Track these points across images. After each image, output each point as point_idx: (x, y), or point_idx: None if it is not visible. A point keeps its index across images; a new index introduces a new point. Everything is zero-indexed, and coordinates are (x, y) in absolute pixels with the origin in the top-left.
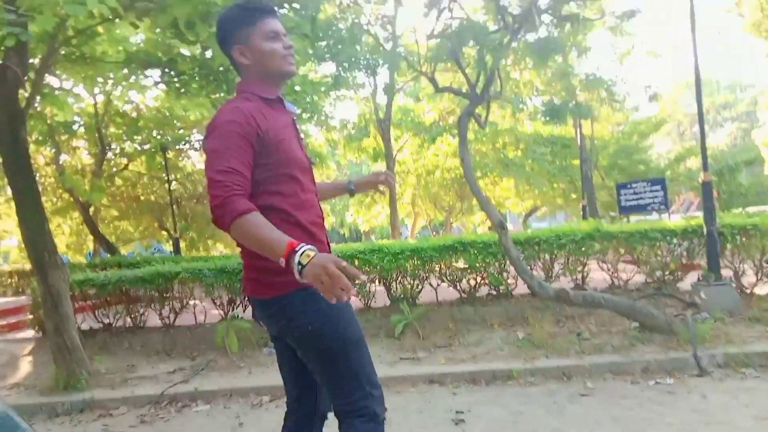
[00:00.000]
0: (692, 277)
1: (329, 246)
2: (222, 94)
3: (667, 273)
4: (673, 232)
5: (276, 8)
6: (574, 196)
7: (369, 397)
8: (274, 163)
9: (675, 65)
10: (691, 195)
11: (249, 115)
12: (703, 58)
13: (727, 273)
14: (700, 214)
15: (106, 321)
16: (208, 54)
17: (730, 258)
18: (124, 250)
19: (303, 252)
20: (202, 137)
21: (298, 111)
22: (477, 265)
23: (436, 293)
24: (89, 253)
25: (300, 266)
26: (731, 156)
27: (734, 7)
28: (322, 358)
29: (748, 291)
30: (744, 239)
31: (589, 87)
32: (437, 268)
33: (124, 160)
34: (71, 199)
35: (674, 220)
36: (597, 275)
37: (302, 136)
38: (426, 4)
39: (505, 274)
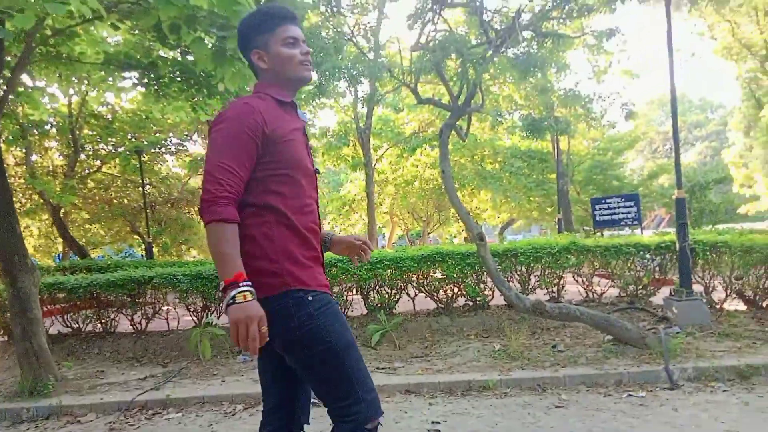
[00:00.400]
0: (664, 292)
1: (323, 254)
2: (203, 98)
3: (640, 287)
4: (647, 248)
5: (296, 14)
6: (549, 209)
7: (360, 403)
8: (277, 162)
9: (648, 84)
10: (662, 211)
11: (257, 112)
12: (676, 77)
13: (698, 288)
14: (671, 230)
15: (76, 326)
16: (190, 58)
17: (701, 274)
18: (94, 254)
19: (242, 291)
20: (180, 140)
21: (308, 119)
22: (454, 275)
23: (414, 303)
24: (58, 256)
25: (232, 300)
26: (702, 174)
27: (707, 30)
28: (311, 364)
29: (718, 306)
30: (714, 256)
31: (567, 103)
32: (415, 278)
33: (98, 162)
34: (41, 200)
35: (646, 235)
36: (572, 288)
37: (311, 145)
38: (410, 16)
39: (482, 286)
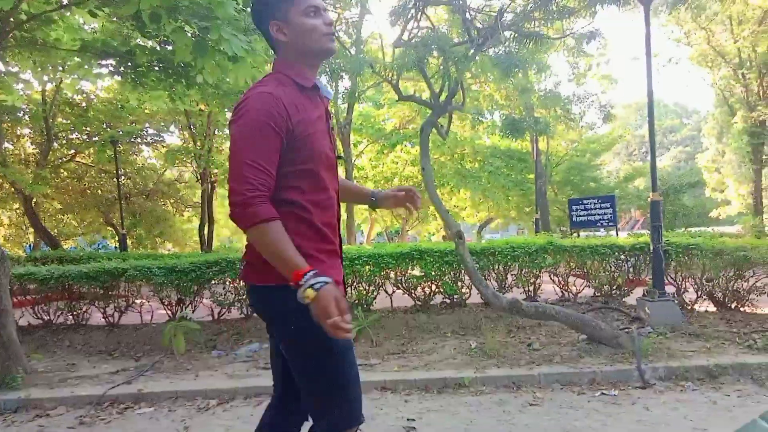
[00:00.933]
0: (638, 292)
1: (341, 247)
2: (182, 88)
3: (614, 288)
4: (622, 249)
5: None
6: (527, 209)
7: (340, 409)
8: (298, 158)
9: (625, 88)
10: (637, 213)
11: (282, 107)
12: (653, 82)
13: (670, 289)
14: (645, 231)
15: (46, 317)
16: (169, 47)
17: (673, 275)
18: (66, 245)
19: (305, 291)
20: (157, 130)
21: (331, 95)
22: (432, 273)
23: (391, 300)
24: (29, 246)
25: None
26: (676, 178)
27: (684, 37)
28: (300, 360)
29: (689, 307)
30: (686, 258)
31: (547, 104)
32: (393, 275)
33: (71, 152)
34: (12, 189)
35: (621, 236)
36: (548, 287)
37: (333, 126)
38: (392, 12)
39: (459, 283)
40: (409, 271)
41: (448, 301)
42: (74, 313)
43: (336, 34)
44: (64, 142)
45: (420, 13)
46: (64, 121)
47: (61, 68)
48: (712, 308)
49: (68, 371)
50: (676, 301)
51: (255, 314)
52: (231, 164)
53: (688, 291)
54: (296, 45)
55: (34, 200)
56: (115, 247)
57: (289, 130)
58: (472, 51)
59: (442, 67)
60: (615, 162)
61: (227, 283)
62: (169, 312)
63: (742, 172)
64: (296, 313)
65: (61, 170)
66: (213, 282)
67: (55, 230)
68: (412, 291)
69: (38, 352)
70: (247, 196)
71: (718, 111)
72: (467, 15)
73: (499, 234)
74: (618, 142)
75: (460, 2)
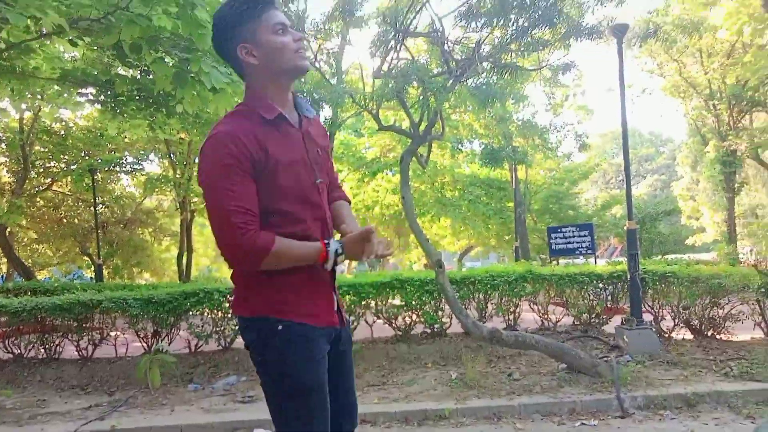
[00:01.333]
0: (616, 321)
1: (333, 275)
2: (162, 117)
3: (593, 316)
4: (600, 277)
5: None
6: (507, 237)
7: None
8: (266, 194)
9: (602, 117)
10: (615, 241)
11: (242, 143)
12: (628, 112)
13: (648, 317)
14: (623, 259)
15: (17, 351)
16: (149, 77)
17: (650, 303)
18: (40, 275)
19: (339, 260)
20: (136, 159)
21: (312, 114)
22: (413, 302)
23: (371, 330)
24: (1, 277)
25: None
26: (652, 206)
27: (656, 68)
28: (266, 391)
29: (667, 335)
30: (663, 286)
31: (524, 133)
32: (373, 305)
33: (48, 180)
34: None
35: (599, 264)
36: (528, 316)
37: (319, 150)
38: (372, 43)
39: (440, 313)
40: (389, 301)
41: (428, 330)
42: (46, 346)
43: (307, 51)
44: (41, 170)
45: (400, 44)
46: (42, 150)
47: (39, 96)
48: (689, 336)
49: (38, 407)
50: (654, 329)
51: (233, 346)
52: (214, 216)
53: (665, 318)
54: (267, 66)
55: (9, 230)
56: (91, 277)
57: (253, 167)
58: (450, 81)
59: (421, 97)
60: (593, 190)
61: (205, 314)
62: (144, 344)
63: (716, 199)
64: (265, 346)
65: (38, 199)
66: (190, 313)
67: (30, 260)
68: (393, 321)
69: (8, 388)
70: (242, 242)
71: (692, 140)
72: (446, 46)
73: (479, 262)
74: (595, 171)
75: (439, 34)
